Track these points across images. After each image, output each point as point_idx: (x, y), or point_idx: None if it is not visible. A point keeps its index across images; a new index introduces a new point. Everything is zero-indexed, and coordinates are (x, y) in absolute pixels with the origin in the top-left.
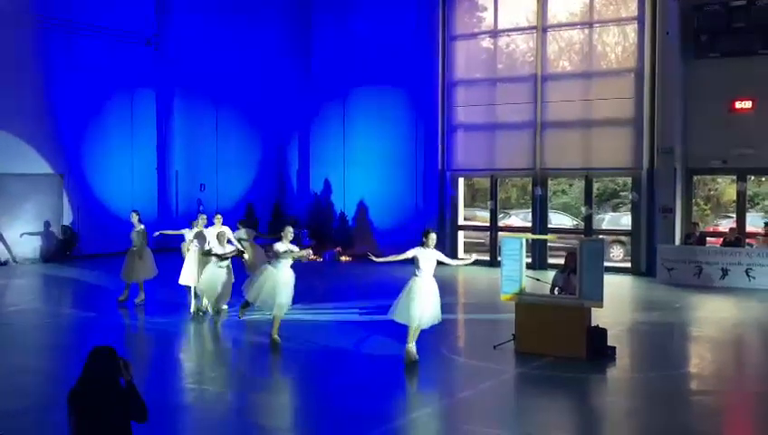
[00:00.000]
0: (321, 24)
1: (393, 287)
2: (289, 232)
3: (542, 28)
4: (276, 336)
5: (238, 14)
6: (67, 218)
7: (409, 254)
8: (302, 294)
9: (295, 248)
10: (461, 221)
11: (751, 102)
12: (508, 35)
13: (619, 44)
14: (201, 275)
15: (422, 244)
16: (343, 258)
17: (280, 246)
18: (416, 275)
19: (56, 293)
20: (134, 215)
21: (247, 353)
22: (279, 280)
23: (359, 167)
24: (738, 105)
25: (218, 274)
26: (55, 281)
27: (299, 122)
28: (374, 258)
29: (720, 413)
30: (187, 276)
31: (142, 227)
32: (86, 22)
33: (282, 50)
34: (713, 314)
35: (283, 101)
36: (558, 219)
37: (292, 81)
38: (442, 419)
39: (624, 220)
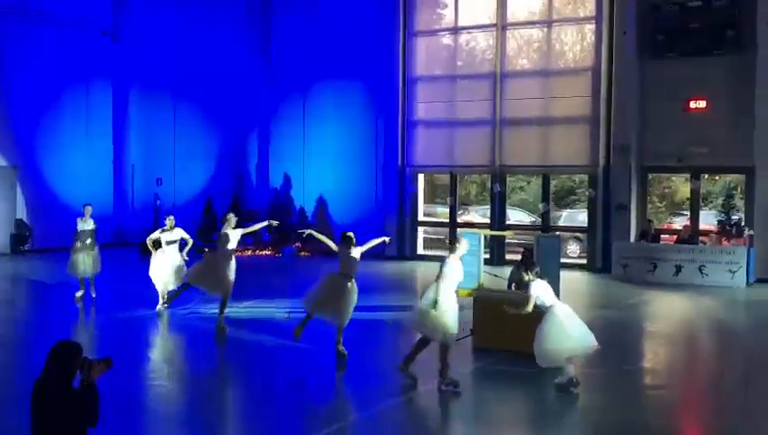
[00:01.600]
0: (281, 19)
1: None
2: (231, 218)
3: (501, 26)
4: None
5: (198, 7)
6: (21, 212)
7: (334, 246)
8: (256, 290)
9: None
10: (421, 217)
11: (705, 102)
12: (468, 33)
13: (577, 43)
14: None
15: (346, 245)
16: (302, 253)
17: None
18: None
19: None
20: (88, 209)
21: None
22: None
23: (318, 162)
24: (693, 105)
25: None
26: (6, 276)
27: (258, 117)
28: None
29: (673, 407)
30: (159, 274)
31: (93, 223)
32: (41, 10)
33: (242, 44)
34: (667, 311)
35: (242, 95)
36: (516, 216)
37: (251, 75)
38: (405, 413)
39: (581, 217)
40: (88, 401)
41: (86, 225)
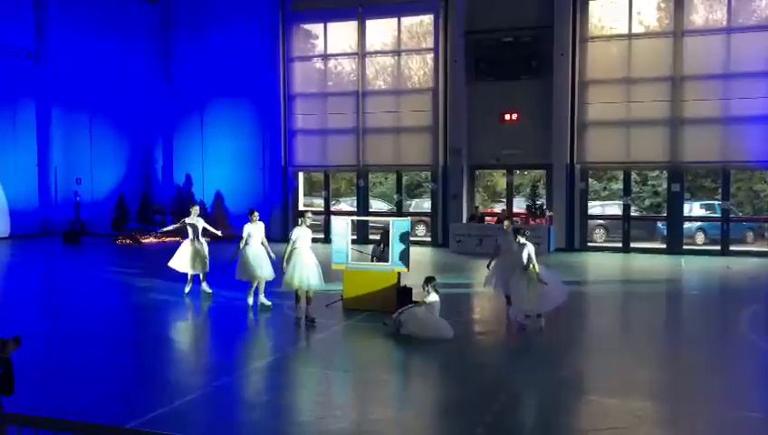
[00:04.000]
0: (181, 47)
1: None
2: (194, 210)
3: (362, 54)
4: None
5: (108, 32)
6: None
7: (248, 235)
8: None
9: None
10: (301, 207)
11: (516, 115)
12: (335, 59)
13: (420, 69)
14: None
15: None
16: (203, 239)
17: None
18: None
19: None
20: None
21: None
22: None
23: (215, 163)
24: (507, 117)
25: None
26: None
27: (163, 126)
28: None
29: (496, 348)
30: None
31: None
32: None
33: (147, 67)
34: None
35: (148, 109)
36: (377, 205)
37: (156, 93)
38: (287, 363)
39: (426, 205)
40: (3, 374)
41: None
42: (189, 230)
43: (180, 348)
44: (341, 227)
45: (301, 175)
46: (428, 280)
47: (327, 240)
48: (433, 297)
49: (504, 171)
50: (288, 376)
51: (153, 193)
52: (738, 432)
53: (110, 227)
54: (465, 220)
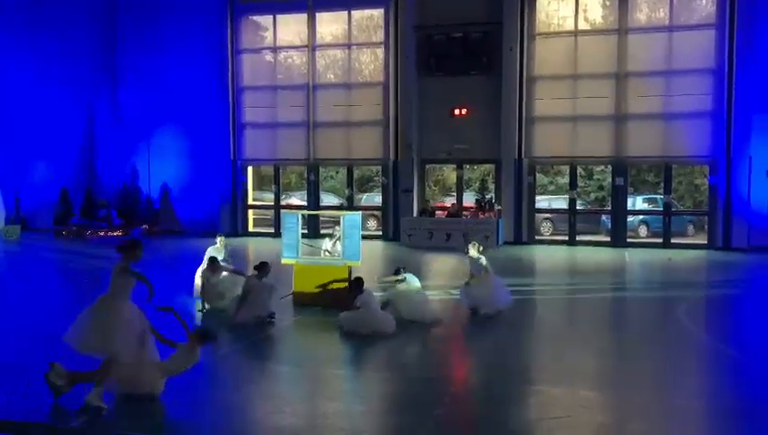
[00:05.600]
0: (125, 32)
1: (187, 259)
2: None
3: (312, 47)
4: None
5: (52, 24)
6: None
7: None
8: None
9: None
10: (251, 201)
11: (466, 110)
12: (285, 52)
13: (371, 63)
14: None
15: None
16: (150, 234)
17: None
18: None
19: None
20: None
21: None
22: None
23: (162, 157)
24: (456, 112)
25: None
26: None
27: (109, 122)
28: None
29: (446, 342)
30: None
31: None
32: None
33: (90, 55)
34: (440, 267)
35: (92, 101)
36: (328, 199)
37: (100, 81)
38: (237, 359)
39: (377, 199)
40: None
41: None
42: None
43: None
44: (292, 222)
45: (250, 169)
46: (399, 270)
47: (277, 235)
48: (405, 285)
49: (455, 166)
50: (238, 372)
51: (97, 187)
52: (678, 419)
53: (53, 222)
54: (415, 214)
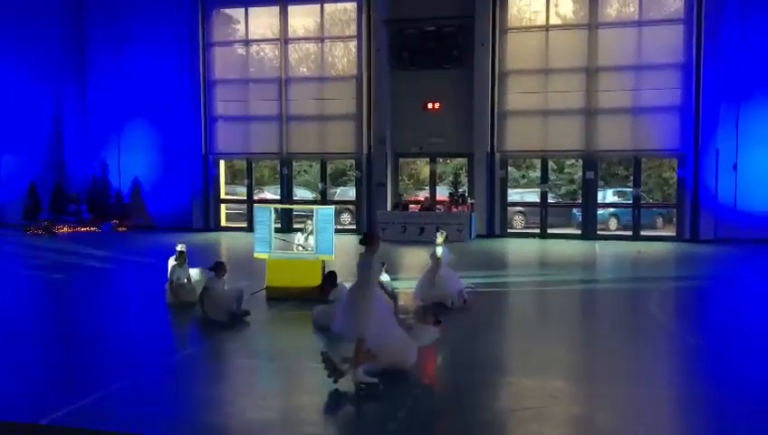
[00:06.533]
0: (95, 27)
1: (158, 249)
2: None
3: (284, 40)
4: None
5: (21, 13)
6: None
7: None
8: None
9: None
10: (223, 196)
11: (438, 104)
12: (257, 45)
13: (344, 56)
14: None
15: None
16: (120, 229)
17: None
18: None
19: None
20: None
21: None
22: None
23: (132, 152)
24: (429, 106)
25: None
26: None
27: (78, 118)
28: None
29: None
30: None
31: None
32: None
33: (60, 47)
34: (412, 260)
35: (60, 94)
36: (301, 193)
37: (69, 76)
38: (211, 353)
39: (350, 193)
40: None
41: None
42: None
43: (97, 342)
44: (264, 216)
45: (222, 163)
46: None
47: (250, 229)
48: (385, 277)
49: (428, 159)
50: (212, 367)
51: (66, 182)
52: (648, 407)
53: (21, 217)
54: (389, 208)
